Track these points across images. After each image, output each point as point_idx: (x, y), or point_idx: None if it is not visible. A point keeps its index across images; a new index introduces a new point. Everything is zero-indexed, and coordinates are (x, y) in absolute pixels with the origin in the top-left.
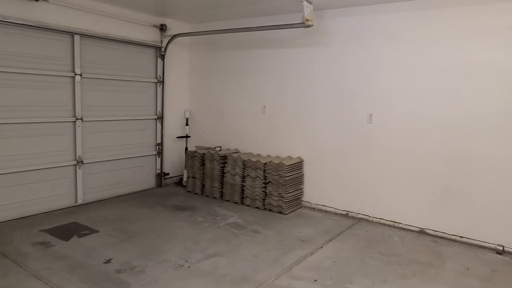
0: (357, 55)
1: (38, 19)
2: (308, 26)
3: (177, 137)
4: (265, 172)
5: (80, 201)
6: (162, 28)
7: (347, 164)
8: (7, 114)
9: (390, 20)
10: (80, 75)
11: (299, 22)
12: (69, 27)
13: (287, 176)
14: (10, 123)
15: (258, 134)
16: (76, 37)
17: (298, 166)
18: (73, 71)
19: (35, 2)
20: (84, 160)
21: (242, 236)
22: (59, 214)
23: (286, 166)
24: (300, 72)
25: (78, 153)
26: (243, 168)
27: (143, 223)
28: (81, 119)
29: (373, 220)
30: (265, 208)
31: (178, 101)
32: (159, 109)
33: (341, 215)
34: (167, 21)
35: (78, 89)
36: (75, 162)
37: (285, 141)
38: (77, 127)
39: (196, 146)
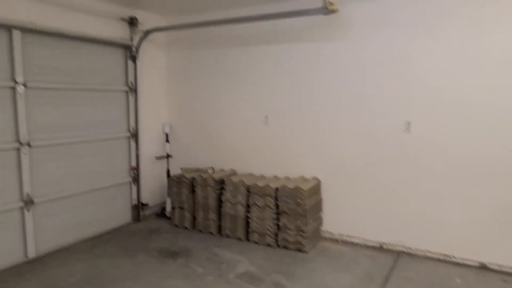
0: (386, 48)
1: None
2: (332, 11)
3: (156, 158)
4: (277, 199)
5: (32, 255)
6: (132, 22)
7: (378, 183)
8: None
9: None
10: (24, 84)
11: (318, 6)
12: (6, 18)
13: (306, 204)
14: None
15: (259, 150)
16: (16, 33)
17: (316, 189)
18: (13, 79)
19: None
20: (34, 199)
21: None
22: (0, 279)
23: (305, 191)
24: (311, 71)
25: (26, 190)
26: (247, 195)
27: (123, 287)
28: (28, 144)
29: (417, 253)
30: (278, 246)
31: (155, 113)
32: (132, 124)
33: (374, 248)
34: (138, 14)
35: (21, 104)
36: (21, 204)
37: (295, 158)
38: (22, 156)
39: (182, 168)
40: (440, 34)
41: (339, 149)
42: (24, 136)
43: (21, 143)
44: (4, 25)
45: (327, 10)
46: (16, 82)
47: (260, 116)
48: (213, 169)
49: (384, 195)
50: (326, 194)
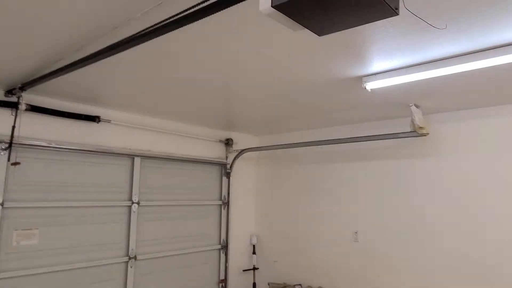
0: (487, 167)
1: (98, 143)
2: (423, 134)
3: (244, 270)
4: None
5: None
6: (228, 143)
7: None
8: (52, 259)
9: None
10: (138, 203)
11: (408, 131)
12: (130, 149)
13: None
14: (56, 270)
15: (349, 268)
16: (137, 160)
17: None
18: (130, 199)
19: (95, 124)
20: None
21: None
22: None
23: None
24: (401, 189)
25: None
26: None
27: None
28: (135, 257)
29: None
30: None
31: (243, 225)
32: (223, 236)
33: None
34: (233, 135)
35: (134, 221)
36: None
37: (390, 278)
38: (129, 269)
39: (269, 284)
40: None
41: (440, 275)
42: (132, 250)
43: (129, 257)
44: (130, 154)
45: (417, 133)
46: (132, 201)
47: (349, 232)
48: (301, 286)
49: None
50: None
